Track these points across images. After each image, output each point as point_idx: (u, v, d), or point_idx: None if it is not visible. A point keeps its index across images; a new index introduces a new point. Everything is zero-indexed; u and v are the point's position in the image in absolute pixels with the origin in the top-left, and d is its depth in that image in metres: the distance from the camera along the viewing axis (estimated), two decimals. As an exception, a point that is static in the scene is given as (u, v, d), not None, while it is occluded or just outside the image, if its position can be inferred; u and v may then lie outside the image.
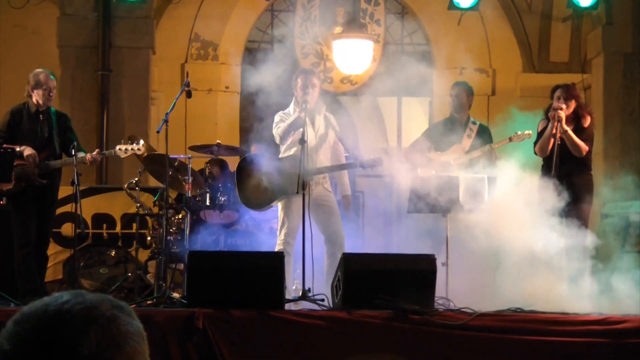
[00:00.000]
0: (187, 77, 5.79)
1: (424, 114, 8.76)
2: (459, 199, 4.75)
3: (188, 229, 5.56)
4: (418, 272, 4.19)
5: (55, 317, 1.10)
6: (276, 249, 4.94)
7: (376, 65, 7.99)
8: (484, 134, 6.10)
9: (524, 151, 5.56)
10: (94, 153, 5.09)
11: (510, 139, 5.94)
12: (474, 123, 6.12)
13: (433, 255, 4.26)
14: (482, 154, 5.92)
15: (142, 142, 5.14)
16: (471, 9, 7.16)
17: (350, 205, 5.29)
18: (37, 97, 5.18)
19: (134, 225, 5.98)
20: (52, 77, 5.25)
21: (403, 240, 5.65)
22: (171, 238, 5.60)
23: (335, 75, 8.08)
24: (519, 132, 5.86)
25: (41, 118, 5.17)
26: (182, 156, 6.13)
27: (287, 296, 4.33)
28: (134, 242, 5.85)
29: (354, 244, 5.51)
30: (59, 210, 5.52)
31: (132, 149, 5.15)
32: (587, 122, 5.33)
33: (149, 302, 4.53)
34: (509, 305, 4.25)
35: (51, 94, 5.20)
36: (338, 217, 5.06)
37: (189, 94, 5.85)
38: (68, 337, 1.09)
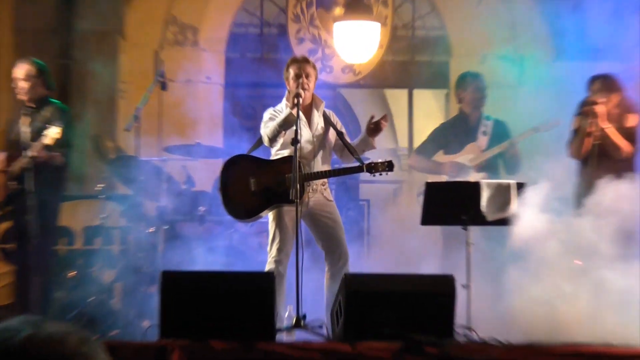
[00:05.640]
0: (162, 66, 5.77)
1: (440, 109, 8.71)
2: (482, 209, 4.70)
3: (162, 245, 5.52)
4: (434, 295, 4.17)
5: (19, 358, 1.10)
6: (266, 269, 4.90)
7: (383, 52, 7.97)
8: (501, 130, 6.20)
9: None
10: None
11: (536, 130, 6.03)
12: (488, 119, 6.24)
13: (452, 275, 4.22)
14: (503, 150, 6.01)
15: (55, 129, 5.03)
16: (495, -14, 7.16)
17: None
18: None
19: (98, 241, 5.95)
20: (23, 64, 5.36)
21: (416, 258, 5.66)
22: (141, 255, 5.60)
23: (336, 64, 8.04)
24: (546, 122, 5.95)
25: (22, 116, 5.30)
26: (155, 158, 6.14)
27: (279, 325, 4.30)
28: (98, 260, 5.81)
29: (357, 262, 5.48)
30: (5, 225, 5.55)
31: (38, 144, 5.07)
32: (632, 118, 5.33)
33: (114, 332, 4.63)
34: (542, 335, 4.21)
35: (20, 87, 5.32)
36: (340, 230, 5.03)
37: (163, 86, 5.93)
38: None
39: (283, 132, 4.89)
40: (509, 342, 4.06)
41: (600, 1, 6.76)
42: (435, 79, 8.08)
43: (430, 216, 4.80)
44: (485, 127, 6.19)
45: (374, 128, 5.00)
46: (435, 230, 5.97)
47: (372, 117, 5.01)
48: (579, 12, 7.24)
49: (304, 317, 4.36)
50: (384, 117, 4.99)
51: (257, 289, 4.11)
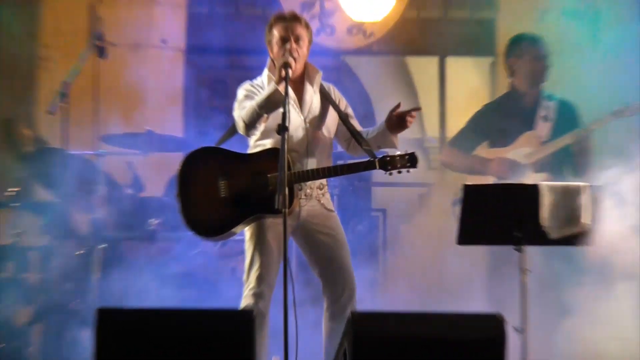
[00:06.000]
0: (100, 25, 5.75)
1: (483, 84, 8.73)
2: (542, 223, 4.66)
3: (98, 272, 5.51)
4: (476, 342, 4.12)
5: None
6: (242, 305, 4.93)
7: (404, 7, 8.06)
8: (569, 114, 6.30)
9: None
10: None
11: (617, 114, 6.10)
12: (550, 99, 6.32)
13: (500, 314, 4.14)
14: (571, 142, 6.13)
15: None
16: None
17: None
18: None
19: (9, 266, 5.94)
20: None
21: (450, 290, 5.74)
22: (69, 286, 5.62)
23: (339, 23, 8.12)
24: (631, 104, 6.03)
25: None
26: (89, 152, 6.20)
27: (260, 382, 4.31)
28: (9, 293, 5.80)
29: (369, 295, 5.53)
30: None
31: None
32: None
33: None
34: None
35: None
36: (344, 251, 5.04)
37: (102, 52, 5.92)
38: None
39: (265, 115, 4.87)
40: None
41: None
42: (477, 44, 8.16)
43: (470, 233, 4.76)
44: (546, 110, 6.26)
45: (398, 121, 4.95)
46: (478, 251, 6.01)
47: (398, 106, 4.96)
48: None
49: (295, 371, 4.36)
50: (412, 111, 4.93)
51: (230, 333, 4.05)
